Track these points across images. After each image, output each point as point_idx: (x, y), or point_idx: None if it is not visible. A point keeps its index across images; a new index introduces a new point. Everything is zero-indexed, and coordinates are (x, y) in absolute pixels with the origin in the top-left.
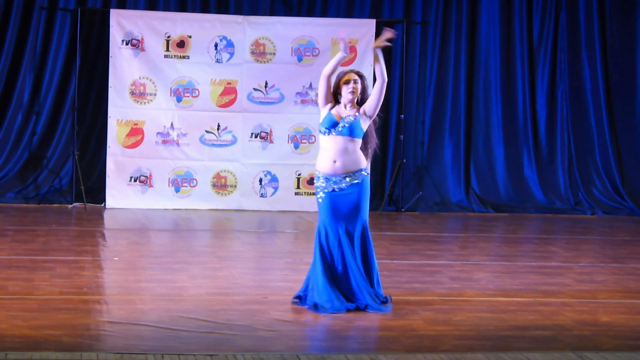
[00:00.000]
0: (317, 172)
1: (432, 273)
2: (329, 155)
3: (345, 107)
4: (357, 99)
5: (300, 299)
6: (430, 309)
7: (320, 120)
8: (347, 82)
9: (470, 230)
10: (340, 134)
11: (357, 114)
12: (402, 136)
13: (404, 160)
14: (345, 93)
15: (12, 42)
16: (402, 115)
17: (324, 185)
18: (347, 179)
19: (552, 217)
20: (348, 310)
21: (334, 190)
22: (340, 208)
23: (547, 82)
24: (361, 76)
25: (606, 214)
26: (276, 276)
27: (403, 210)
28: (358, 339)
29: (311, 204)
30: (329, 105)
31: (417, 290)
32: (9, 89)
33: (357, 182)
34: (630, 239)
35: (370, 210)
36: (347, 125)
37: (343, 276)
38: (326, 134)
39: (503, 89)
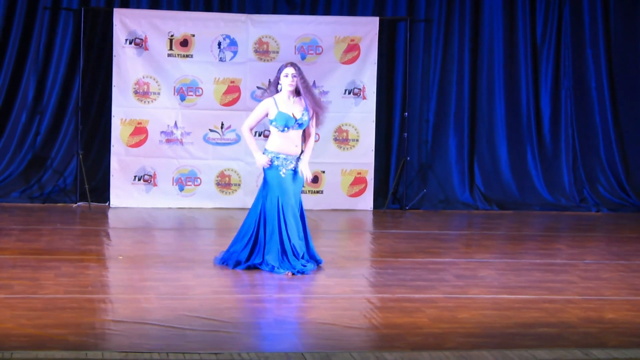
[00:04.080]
0: (279, 154)
1: (437, 271)
2: (290, 141)
3: (288, 98)
4: (297, 89)
5: (238, 263)
6: (435, 306)
7: (272, 117)
8: (286, 76)
9: (474, 227)
10: (298, 128)
11: (307, 118)
12: (406, 134)
13: (408, 158)
14: (286, 85)
15: (16, 42)
16: (406, 114)
17: (284, 163)
18: (296, 161)
19: (557, 215)
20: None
21: (290, 169)
22: (293, 184)
23: (551, 79)
24: (298, 69)
25: (611, 211)
26: (280, 274)
27: (407, 208)
28: (363, 337)
29: (315, 202)
30: (271, 101)
31: (421, 288)
32: (13, 88)
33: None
34: (635, 236)
35: (374, 208)
36: (303, 123)
37: (301, 242)
38: (285, 130)
39: (507, 86)
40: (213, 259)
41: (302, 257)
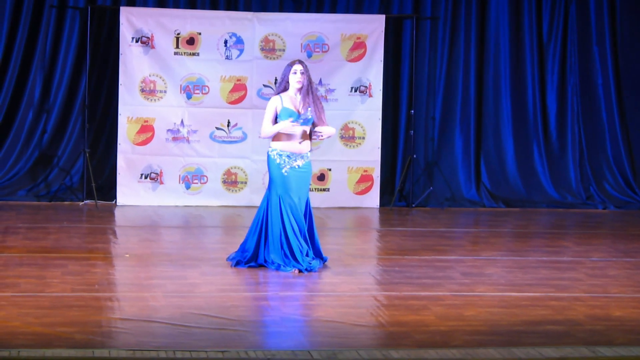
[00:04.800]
0: (282, 151)
1: (444, 268)
2: (295, 137)
3: (295, 95)
4: (304, 86)
5: (239, 262)
6: (441, 304)
7: (278, 113)
8: (294, 73)
9: (481, 225)
10: (303, 123)
11: (312, 114)
12: (412, 132)
13: (414, 156)
14: (293, 82)
15: (23, 41)
16: (412, 111)
17: (287, 161)
18: (304, 159)
19: (564, 212)
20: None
21: (294, 167)
22: (299, 183)
23: (557, 76)
24: (305, 66)
25: (618, 208)
26: (287, 272)
27: (414, 205)
28: (370, 335)
29: (322, 200)
30: (277, 99)
31: (428, 285)
32: (19, 87)
33: (308, 161)
34: None
35: (380, 205)
36: (308, 118)
37: (306, 240)
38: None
39: (513, 83)
40: (226, 258)
41: (307, 255)
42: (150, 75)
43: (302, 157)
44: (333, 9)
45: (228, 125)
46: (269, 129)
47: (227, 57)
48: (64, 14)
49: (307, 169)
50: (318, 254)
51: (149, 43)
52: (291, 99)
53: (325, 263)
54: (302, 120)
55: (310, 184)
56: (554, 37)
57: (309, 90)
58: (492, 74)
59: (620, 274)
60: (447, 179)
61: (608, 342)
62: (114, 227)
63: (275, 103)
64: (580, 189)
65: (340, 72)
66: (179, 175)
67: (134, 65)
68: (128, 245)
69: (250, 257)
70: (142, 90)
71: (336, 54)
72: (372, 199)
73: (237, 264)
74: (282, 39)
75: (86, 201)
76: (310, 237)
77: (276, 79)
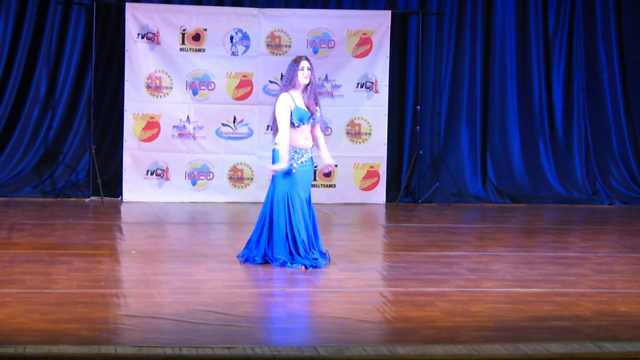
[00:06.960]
0: (289, 147)
1: (450, 264)
2: (302, 134)
3: (302, 92)
4: (311, 82)
5: (248, 259)
6: (448, 300)
7: (291, 111)
8: (302, 69)
9: (487, 221)
10: (312, 123)
11: (320, 113)
12: (418, 127)
13: (421, 152)
14: (303, 79)
15: (28, 37)
16: (418, 107)
17: (295, 157)
18: (308, 154)
19: (570, 208)
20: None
21: (300, 163)
22: (304, 178)
23: (563, 72)
24: (311, 62)
25: (624, 203)
26: (292, 268)
27: (420, 201)
28: (376, 331)
29: (328, 196)
30: (288, 97)
31: (434, 281)
32: (25, 83)
33: (311, 157)
34: None
35: (387, 201)
36: (316, 117)
37: (310, 236)
38: (300, 125)
39: (519, 79)
40: (237, 255)
41: (312, 251)
42: (156, 72)
43: (306, 152)
44: (339, 5)
45: (234, 122)
46: (285, 140)
47: (233, 53)
48: (69, 10)
49: (311, 164)
50: (320, 252)
51: (154, 39)
52: (300, 96)
53: (331, 259)
54: (312, 120)
55: (317, 180)
56: (560, 32)
57: (314, 86)
58: (498, 69)
59: (626, 269)
60: (453, 175)
61: (614, 337)
62: (120, 223)
63: (288, 102)
64: (587, 185)
65: (346, 68)
66: (185, 172)
67: (139, 61)
68: (134, 242)
69: (259, 255)
70: (148, 87)
71: (342, 49)
72: (379, 195)
73: (246, 260)
74: (288, 35)
75: (92, 198)
76: (314, 233)
77: (282, 75)
